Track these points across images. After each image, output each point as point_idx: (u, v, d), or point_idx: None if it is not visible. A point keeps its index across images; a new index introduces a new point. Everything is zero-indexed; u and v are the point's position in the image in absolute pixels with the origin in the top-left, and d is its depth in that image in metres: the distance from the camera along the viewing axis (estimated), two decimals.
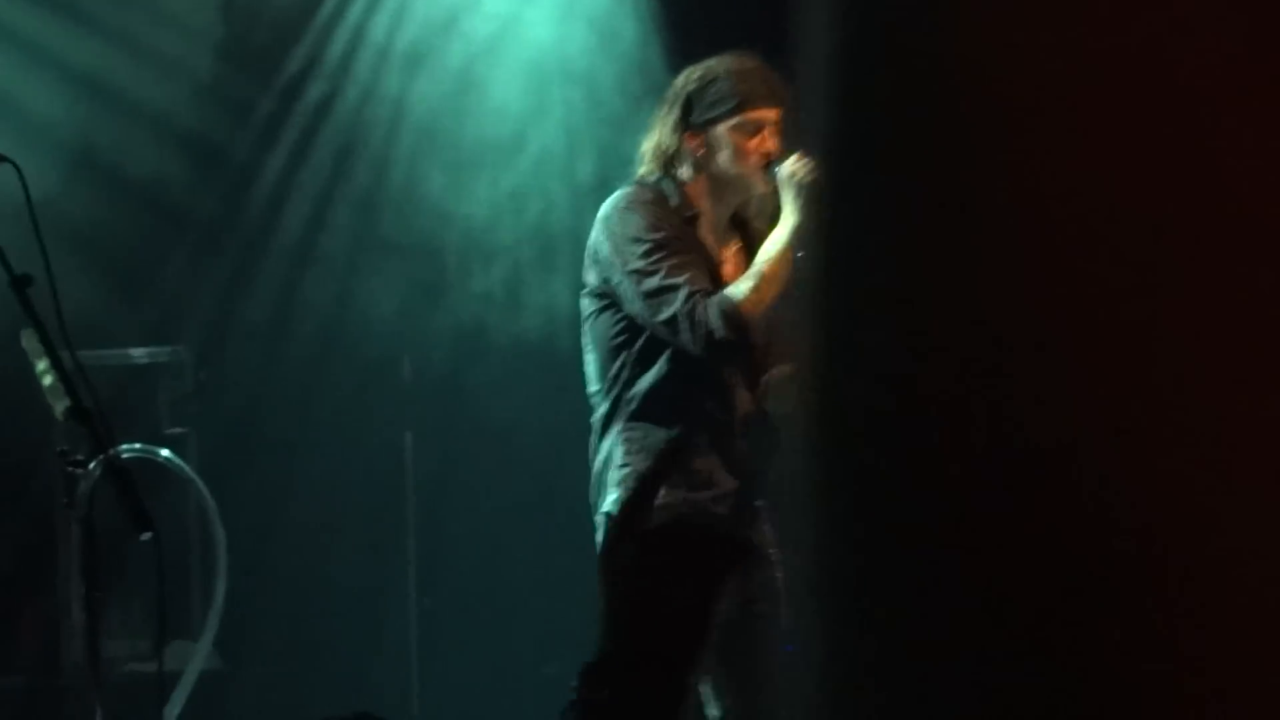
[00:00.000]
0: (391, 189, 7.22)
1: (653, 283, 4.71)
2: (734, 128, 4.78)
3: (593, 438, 4.88)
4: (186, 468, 6.25)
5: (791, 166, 4.70)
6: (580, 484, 4.92)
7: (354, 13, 7.20)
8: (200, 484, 6.31)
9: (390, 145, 7.21)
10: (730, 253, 4.91)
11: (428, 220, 7.07)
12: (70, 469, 4.30)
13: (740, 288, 4.71)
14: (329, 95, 7.21)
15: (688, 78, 4.86)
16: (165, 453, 6.24)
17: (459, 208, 7.04)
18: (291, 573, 7.16)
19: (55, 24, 7.04)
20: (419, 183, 7.14)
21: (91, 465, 4.25)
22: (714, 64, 4.84)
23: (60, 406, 4.19)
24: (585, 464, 4.89)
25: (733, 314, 4.66)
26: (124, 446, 4.99)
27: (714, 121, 4.80)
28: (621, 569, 4.75)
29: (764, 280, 4.69)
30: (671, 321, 4.69)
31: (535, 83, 7.08)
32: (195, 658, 6.27)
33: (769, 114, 4.80)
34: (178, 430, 6.86)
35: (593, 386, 4.89)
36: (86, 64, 7.10)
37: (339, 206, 7.24)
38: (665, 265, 4.70)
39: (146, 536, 3.98)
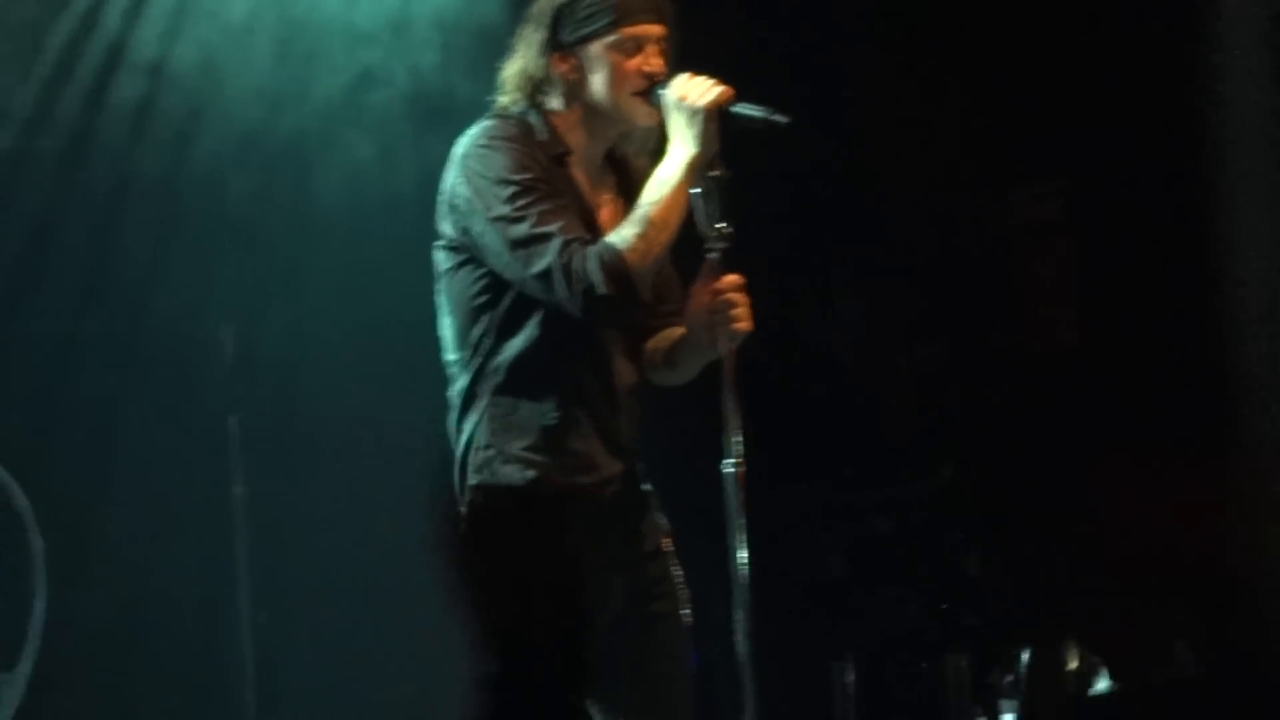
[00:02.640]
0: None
1: (521, 231, 4.15)
2: (610, 46, 4.26)
3: (451, 415, 4.35)
4: None
5: (682, 88, 4.17)
6: (439, 471, 4.40)
7: None
8: (15, 486, 5.90)
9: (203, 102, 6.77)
10: (606, 197, 4.39)
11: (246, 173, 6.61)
12: None
13: (624, 235, 4.15)
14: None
15: None
16: None
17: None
18: (109, 587, 6.71)
19: None
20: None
21: None
22: None
23: None
24: (444, 447, 4.37)
25: (616, 266, 4.11)
26: None
27: (587, 40, 4.26)
28: (487, 570, 4.26)
29: (651, 226, 4.16)
30: (545, 275, 4.13)
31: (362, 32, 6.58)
32: (11, 690, 5.90)
33: (652, 29, 4.27)
34: None
35: (450, 355, 4.35)
36: None
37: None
38: (535, 211, 4.16)
39: None
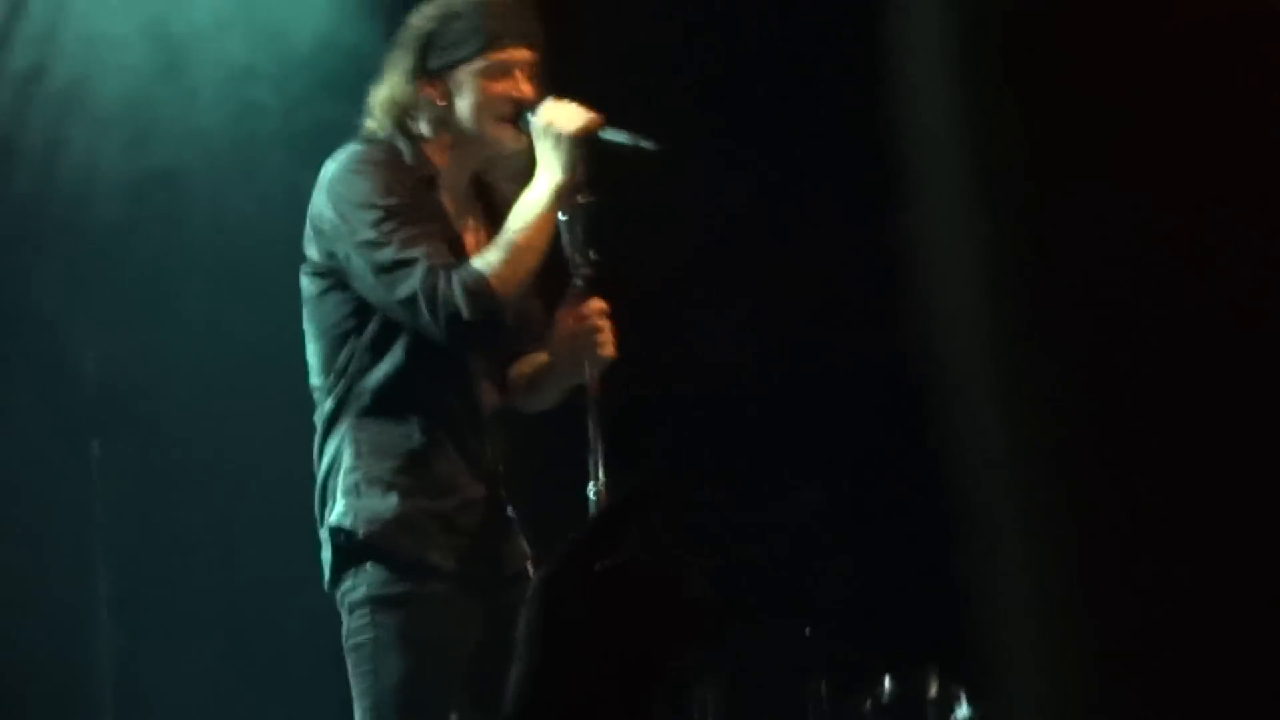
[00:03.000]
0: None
1: (386, 256, 4.12)
2: (478, 71, 4.22)
3: (316, 439, 4.30)
4: None
5: (549, 114, 4.16)
6: (305, 495, 4.34)
7: None
8: None
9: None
10: (472, 223, 4.36)
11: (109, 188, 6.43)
12: None
13: (489, 259, 4.15)
14: None
15: (424, 16, 4.28)
16: None
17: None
18: None
19: None
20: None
21: None
22: None
23: None
24: (309, 472, 4.31)
25: (480, 291, 4.10)
26: None
27: (454, 65, 4.23)
28: (351, 599, 4.20)
29: (516, 250, 4.15)
30: (410, 301, 4.11)
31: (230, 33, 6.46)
32: None
33: (520, 54, 4.24)
34: None
35: (315, 379, 4.31)
36: None
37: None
38: (400, 236, 4.13)
39: None
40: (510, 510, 4.35)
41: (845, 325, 6.36)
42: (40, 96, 6.57)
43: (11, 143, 6.59)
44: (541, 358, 4.38)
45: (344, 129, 4.41)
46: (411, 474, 4.19)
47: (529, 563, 4.35)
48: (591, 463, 4.15)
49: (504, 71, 4.21)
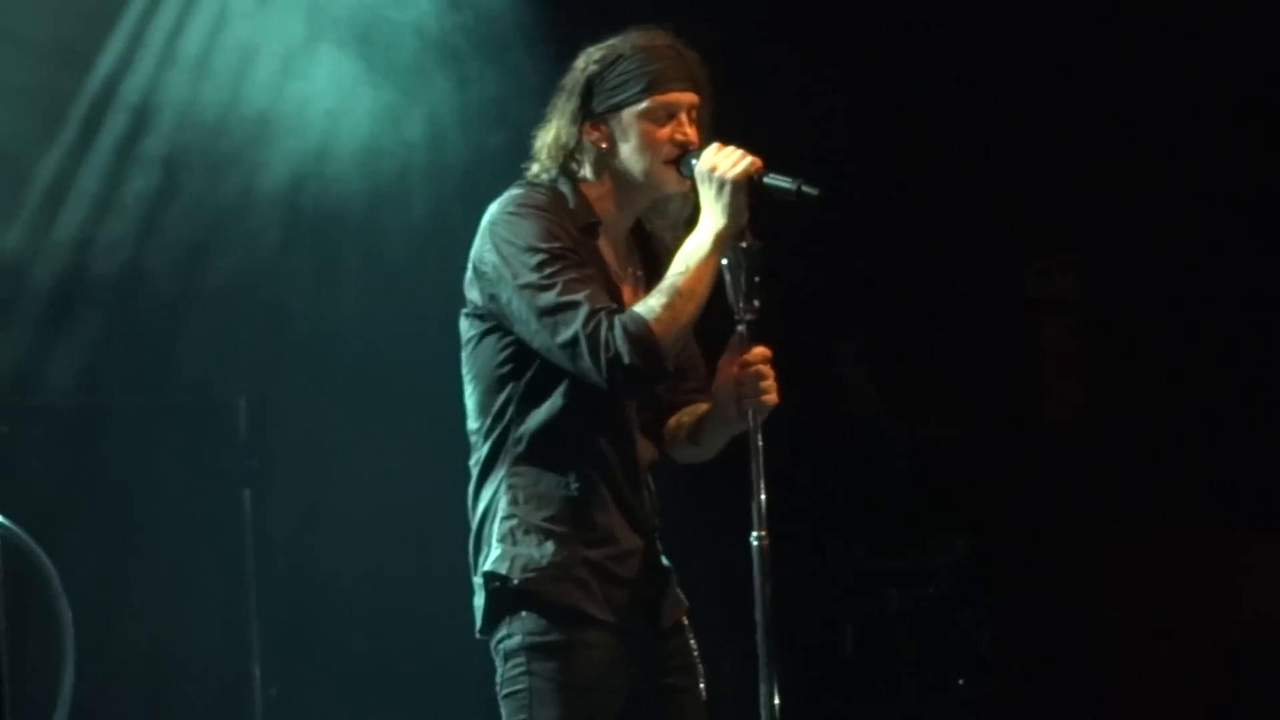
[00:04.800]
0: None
1: (548, 298, 4.08)
2: (641, 114, 4.20)
3: (471, 486, 4.27)
4: (23, 534, 5.51)
5: (712, 159, 4.10)
6: (457, 542, 4.33)
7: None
8: (41, 554, 5.58)
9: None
10: (631, 271, 4.33)
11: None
12: None
13: (651, 305, 4.08)
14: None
15: (588, 59, 4.26)
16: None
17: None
18: (131, 656, 6.54)
19: None
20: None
21: None
22: (618, 42, 4.25)
23: None
24: (462, 518, 4.29)
25: (642, 335, 4.04)
26: None
27: (618, 108, 4.21)
28: (506, 647, 4.17)
29: (679, 296, 4.08)
30: (571, 344, 4.05)
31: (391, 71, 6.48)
32: None
33: (684, 97, 4.21)
34: None
35: (472, 424, 4.27)
36: None
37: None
38: (562, 279, 4.08)
39: None
40: (666, 561, 4.30)
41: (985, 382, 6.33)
42: (193, 138, 6.68)
43: (174, 186, 6.62)
44: (702, 407, 4.33)
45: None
46: (568, 522, 4.15)
47: (685, 615, 4.31)
48: (754, 511, 4.08)
49: (668, 114, 4.18)
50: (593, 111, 4.21)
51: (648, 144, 4.18)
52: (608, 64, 4.21)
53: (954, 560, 6.32)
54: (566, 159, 4.24)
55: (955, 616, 6.31)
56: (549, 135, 4.26)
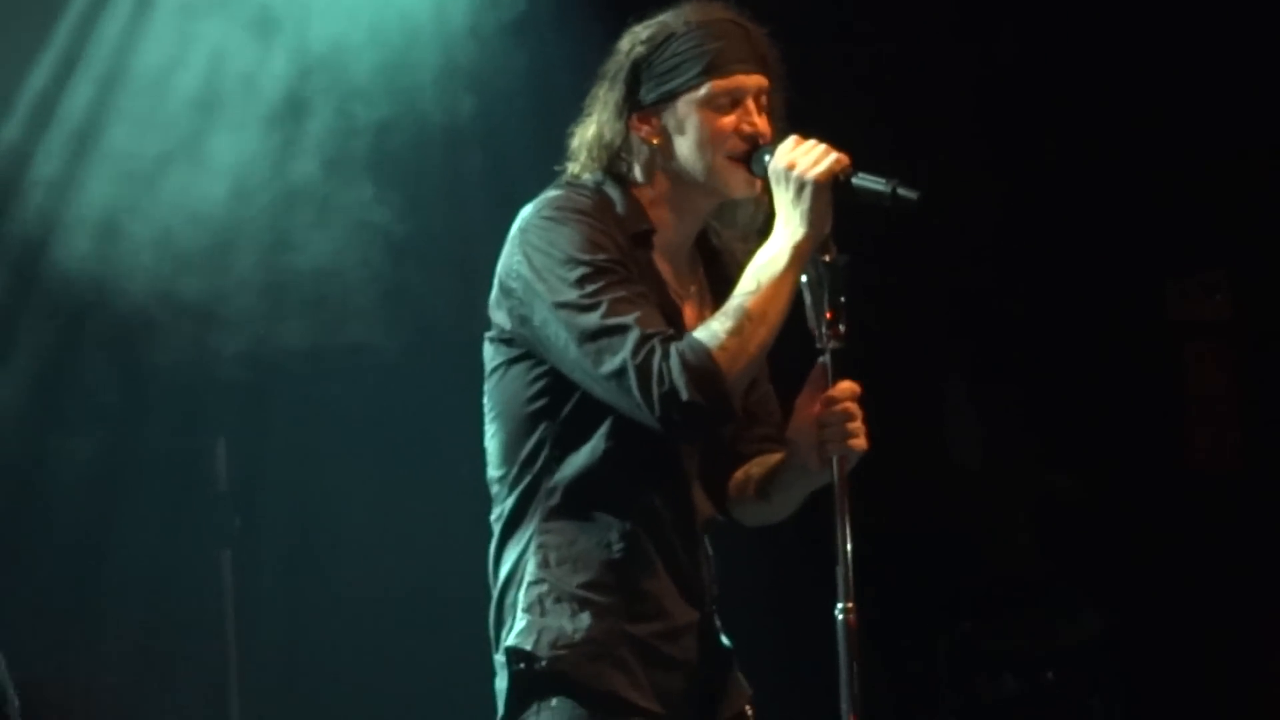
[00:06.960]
0: None
1: (590, 321, 4.07)
2: (700, 101, 4.20)
3: (492, 545, 4.30)
4: None
5: (789, 155, 4.08)
6: (475, 612, 4.38)
7: None
8: None
9: None
10: (693, 290, 4.33)
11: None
12: None
13: (714, 330, 4.07)
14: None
15: (634, 40, 4.26)
16: None
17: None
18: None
19: None
20: None
21: None
22: (669, 19, 4.25)
23: None
24: (481, 583, 4.33)
25: (703, 366, 4.02)
26: None
27: (672, 96, 4.21)
28: None
29: (748, 320, 4.07)
30: (617, 375, 4.04)
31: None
32: None
33: (750, 80, 4.21)
34: None
35: (494, 470, 4.30)
36: None
37: None
38: (608, 298, 4.07)
39: None
40: (726, 639, 4.32)
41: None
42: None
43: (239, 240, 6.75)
44: (775, 457, 4.32)
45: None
46: (609, 590, 4.18)
47: (749, 704, 4.34)
48: (839, 579, 4.06)
49: (732, 101, 4.18)
50: (641, 102, 4.22)
51: (709, 137, 4.18)
52: (657, 45, 4.21)
53: (1081, 639, 6.35)
54: (612, 159, 4.25)
55: (1083, 706, 6.35)
56: (589, 132, 4.27)
